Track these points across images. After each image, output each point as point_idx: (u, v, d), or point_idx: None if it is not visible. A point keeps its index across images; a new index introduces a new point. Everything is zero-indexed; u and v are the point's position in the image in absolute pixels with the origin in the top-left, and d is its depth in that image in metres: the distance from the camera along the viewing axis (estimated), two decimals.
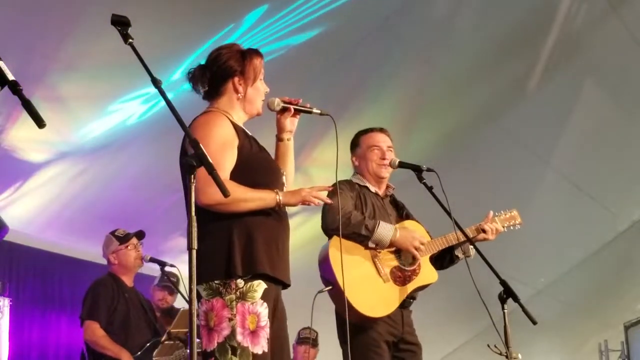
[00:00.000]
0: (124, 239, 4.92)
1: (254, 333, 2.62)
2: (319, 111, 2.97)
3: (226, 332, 2.62)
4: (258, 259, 2.67)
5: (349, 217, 3.54)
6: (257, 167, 2.79)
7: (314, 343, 6.35)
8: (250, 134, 2.91)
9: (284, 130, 2.98)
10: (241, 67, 2.87)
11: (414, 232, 3.68)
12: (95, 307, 4.69)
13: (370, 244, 3.59)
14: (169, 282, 5.48)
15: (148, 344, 4.74)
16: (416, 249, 3.62)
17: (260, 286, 2.67)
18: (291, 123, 2.99)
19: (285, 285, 2.84)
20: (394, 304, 3.60)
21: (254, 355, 2.61)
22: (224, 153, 2.68)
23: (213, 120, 2.78)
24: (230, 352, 2.61)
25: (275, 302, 2.78)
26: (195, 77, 2.89)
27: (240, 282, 2.64)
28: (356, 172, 3.95)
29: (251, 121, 2.97)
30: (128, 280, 4.96)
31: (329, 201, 2.87)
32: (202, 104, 2.94)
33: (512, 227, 4.12)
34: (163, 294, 5.69)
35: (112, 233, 4.96)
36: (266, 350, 2.63)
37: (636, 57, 6.82)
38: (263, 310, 2.65)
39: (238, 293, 2.63)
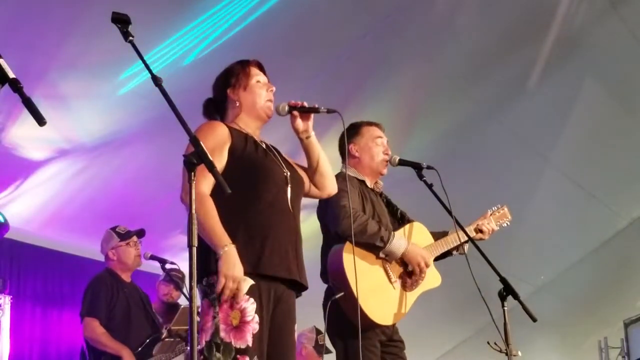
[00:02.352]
0: (124, 236, 4.92)
1: (237, 328, 2.66)
2: (325, 110, 2.99)
3: (211, 330, 2.68)
4: None
5: (365, 226, 3.52)
6: (245, 166, 2.84)
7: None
8: (256, 138, 2.98)
9: (299, 132, 3.03)
10: (229, 79, 3.04)
11: (423, 251, 3.68)
12: (94, 304, 4.69)
13: (381, 254, 3.60)
14: (177, 278, 5.48)
15: (148, 340, 4.75)
16: (421, 270, 3.65)
17: (245, 282, 2.68)
18: (304, 124, 3.02)
19: (295, 283, 2.85)
20: (403, 311, 3.64)
21: (237, 350, 2.64)
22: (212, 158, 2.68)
23: (203, 128, 2.90)
24: (214, 348, 2.66)
25: (276, 300, 2.79)
26: (206, 110, 3.09)
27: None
28: (348, 164, 3.85)
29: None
30: (126, 277, 4.96)
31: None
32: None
33: (503, 225, 4.12)
34: (169, 289, 5.67)
35: (113, 229, 4.96)
36: (250, 344, 2.65)
37: (636, 55, 6.82)
38: (249, 305, 2.67)
39: None
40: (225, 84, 3.04)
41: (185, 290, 4.72)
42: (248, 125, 3.01)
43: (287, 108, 2.97)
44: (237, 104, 3.01)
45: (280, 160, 2.98)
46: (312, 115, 3.02)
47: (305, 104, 2.99)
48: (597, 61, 6.82)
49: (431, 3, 5.75)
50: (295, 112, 2.98)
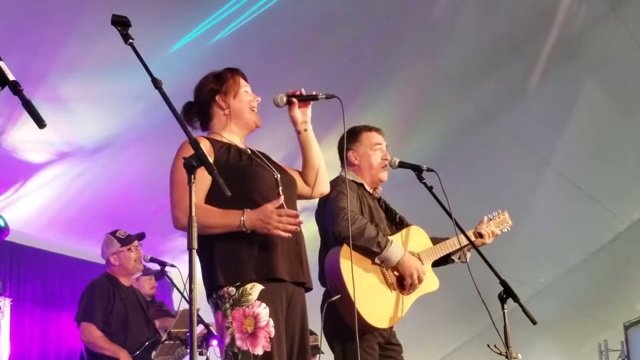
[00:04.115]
0: (125, 241, 4.92)
1: (253, 335, 2.64)
2: (324, 96, 2.98)
3: (227, 340, 2.67)
4: (240, 267, 2.70)
5: (364, 230, 3.49)
6: (233, 176, 2.76)
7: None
8: (241, 146, 2.96)
9: (298, 122, 3.00)
10: (219, 86, 3.00)
11: (418, 263, 3.65)
12: (90, 308, 4.69)
13: (377, 260, 3.57)
14: (152, 271, 5.47)
15: (147, 343, 4.75)
16: (412, 283, 3.61)
17: (254, 288, 2.68)
18: (303, 114, 3.00)
19: (301, 283, 2.84)
20: (399, 314, 3.62)
21: (255, 357, 2.63)
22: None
23: (186, 145, 2.78)
24: (233, 358, 2.65)
25: (286, 300, 2.77)
26: (187, 114, 3.03)
27: (232, 289, 2.69)
28: (348, 168, 3.85)
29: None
30: (125, 281, 4.96)
31: (297, 229, 2.75)
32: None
33: (504, 230, 4.11)
34: (152, 282, 5.64)
35: (113, 234, 4.95)
36: (269, 349, 2.63)
37: (636, 57, 6.83)
38: (262, 310, 2.66)
39: (231, 300, 2.68)
40: (214, 90, 2.99)
41: (185, 292, 4.71)
42: (234, 134, 2.98)
43: (285, 98, 2.95)
44: (227, 112, 2.97)
45: (268, 164, 2.95)
46: (311, 105, 3.01)
47: (303, 92, 2.98)
48: (596, 63, 6.83)
49: (431, 5, 5.75)
50: (294, 100, 2.96)
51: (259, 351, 2.63)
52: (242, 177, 2.81)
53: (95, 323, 4.65)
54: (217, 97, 2.98)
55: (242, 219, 2.65)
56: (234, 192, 2.68)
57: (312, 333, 6.24)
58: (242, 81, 3.03)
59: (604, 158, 7.86)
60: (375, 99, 6.17)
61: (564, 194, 8.11)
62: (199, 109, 3.02)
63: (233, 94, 2.98)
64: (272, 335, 2.65)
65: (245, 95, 3.01)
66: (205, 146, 2.81)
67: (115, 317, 4.73)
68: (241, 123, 2.99)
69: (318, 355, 6.27)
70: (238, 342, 2.64)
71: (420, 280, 3.62)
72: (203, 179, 2.66)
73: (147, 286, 5.57)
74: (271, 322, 2.66)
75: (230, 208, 2.68)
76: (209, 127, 3.01)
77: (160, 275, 5.59)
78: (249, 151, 2.98)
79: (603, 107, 7.30)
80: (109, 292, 4.78)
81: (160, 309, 5.52)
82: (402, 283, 3.64)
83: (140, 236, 5.02)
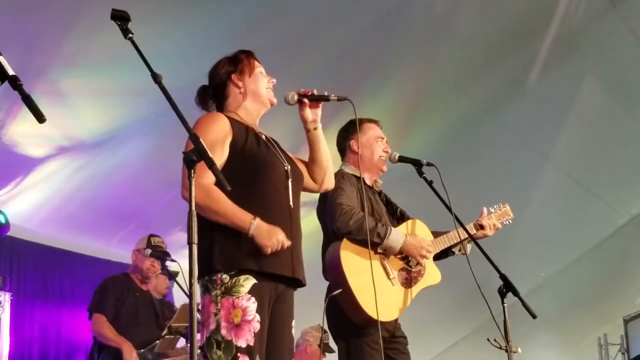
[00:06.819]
0: (152, 249, 4.92)
1: (238, 327, 2.65)
2: (336, 97, 2.97)
3: (212, 326, 2.67)
4: (240, 255, 2.70)
5: (361, 223, 3.49)
6: (245, 160, 2.81)
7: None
8: (257, 130, 2.96)
9: (308, 121, 3.00)
10: (234, 66, 3.01)
11: (422, 240, 3.67)
12: (102, 300, 4.84)
13: (380, 250, 3.58)
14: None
15: (155, 343, 4.78)
16: (423, 257, 3.64)
17: (247, 281, 2.69)
18: (313, 113, 3.00)
19: (295, 281, 2.84)
20: (401, 307, 3.63)
21: (237, 348, 2.63)
22: (211, 152, 2.54)
23: (205, 120, 2.86)
24: (215, 346, 2.65)
25: (275, 298, 2.79)
26: (201, 96, 3.05)
27: (226, 277, 2.69)
28: (347, 161, 3.88)
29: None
30: (141, 283, 5.06)
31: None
32: None
33: (505, 223, 4.12)
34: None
35: (152, 235, 5.03)
36: (251, 344, 2.64)
37: (635, 53, 6.82)
38: (250, 304, 2.67)
39: (223, 288, 2.68)
40: (229, 70, 3.01)
41: (185, 285, 4.72)
42: (250, 113, 2.98)
43: (296, 97, 2.95)
44: (242, 90, 2.98)
45: (280, 154, 2.96)
46: (322, 104, 3.00)
47: (315, 92, 2.98)
48: (596, 59, 6.82)
49: (431, 1, 5.74)
50: (305, 100, 2.96)
51: (242, 344, 2.64)
52: (255, 164, 2.83)
53: (105, 314, 4.77)
54: (233, 76, 2.99)
55: (251, 228, 2.67)
56: (245, 176, 2.74)
57: (325, 331, 6.24)
58: (256, 62, 3.05)
59: (603, 153, 7.86)
60: (375, 94, 6.17)
61: (563, 189, 8.11)
62: (214, 91, 3.04)
63: (248, 73, 3.00)
64: (257, 330, 2.66)
65: (260, 75, 3.03)
66: (226, 125, 2.84)
67: (126, 312, 4.83)
68: (257, 101, 3.00)
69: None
70: (223, 331, 2.65)
71: (429, 252, 3.65)
72: (221, 152, 2.73)
73: (164, 285, 5.57)
74: (257, 317, 2.67)
75: (240, 190, 2.65)
76: (225, 107, 3.02)
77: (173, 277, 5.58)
78: (264, 137, 2.99)
79: (602, 102, 7.29)
80: (122, 287, 4.94)
81: (171, 308, 5.52)
82: (405, 275, 3.65)
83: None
